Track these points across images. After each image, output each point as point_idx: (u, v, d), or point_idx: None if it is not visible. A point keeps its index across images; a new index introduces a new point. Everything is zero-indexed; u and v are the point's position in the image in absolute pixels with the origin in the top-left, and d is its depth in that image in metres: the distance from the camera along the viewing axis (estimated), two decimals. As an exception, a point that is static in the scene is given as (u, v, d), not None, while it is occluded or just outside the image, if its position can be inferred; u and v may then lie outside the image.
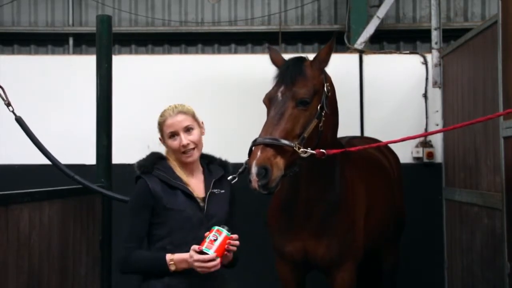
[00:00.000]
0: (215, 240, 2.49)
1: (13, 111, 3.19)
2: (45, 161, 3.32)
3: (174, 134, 2.73)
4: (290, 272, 3.54)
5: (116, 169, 3.93)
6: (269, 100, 3.00)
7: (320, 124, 2.99)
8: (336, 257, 3.37)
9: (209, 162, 2.91)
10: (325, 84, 3.09)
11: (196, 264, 2.49)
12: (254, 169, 2.68)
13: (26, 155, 5.39)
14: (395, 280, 4.63)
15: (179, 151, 2.73)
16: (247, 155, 2.82)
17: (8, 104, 3.17)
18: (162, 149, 2.86)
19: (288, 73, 3.00)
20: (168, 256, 2.58)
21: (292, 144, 2.82)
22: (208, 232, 2.54)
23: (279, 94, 2.95)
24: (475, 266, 4.47)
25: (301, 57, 3.15)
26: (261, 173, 2.68)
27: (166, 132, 2.75)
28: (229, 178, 2.84)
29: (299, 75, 2.99)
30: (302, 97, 2.94)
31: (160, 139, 2.83)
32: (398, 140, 3.15)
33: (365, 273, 4.46)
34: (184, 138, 2.71)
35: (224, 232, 2.52)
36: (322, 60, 3.13)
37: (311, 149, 2.91)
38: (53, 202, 3.09)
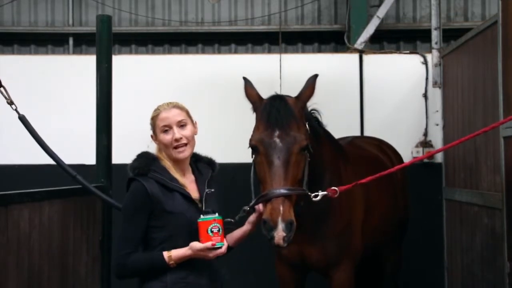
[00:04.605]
0: (218, 231, 2.55)
1: (16, 110, 3.16)
2: (45, 161, 3.31)
3: (167, 128, 2.68)
4: (289, 273, 3.54)
5: (116, 169, 3.93)
6: (262, 145, 2.83)
7: (311, 161, 2.97)
8: (331, 259, 3.37)
9: (196, 160, 2.87)
10: (306, 123, 3.03)
11: (212, 256, 2.55)
12: (282, 225, 2.61)
13: (26, 155, 5.42)
14: (397, 280, 4.62)
15: (171, 146, 2.67)
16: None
17: (11, 103, 3.14)
18: (153, 150, 2.81)
19: (281, 116, 2.87)
20: (166, 254, 2.55)
21: (306, 191, 2.85)
22: (204, 224, 2.54)
23: (277, 140, 2.81)
24: (475, 266, 4.47)
25: (283, 96, 3.01)
26: (288, 228, 2.63)
27: (159, 126, 2.69)
28: (238, 216, 2.79)
29: (292, 118, 2.89)
30: (304, 143, 2.86)
31: (152, 136, 2.77)
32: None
33: (367, 273, 4.45)
34: (177, 132, 2.67)
35: (219, 218, 2.58)
36: (305, 100, 3.07)
37: (321, 190, 2.94)
38: (53, 202, 3.08)
